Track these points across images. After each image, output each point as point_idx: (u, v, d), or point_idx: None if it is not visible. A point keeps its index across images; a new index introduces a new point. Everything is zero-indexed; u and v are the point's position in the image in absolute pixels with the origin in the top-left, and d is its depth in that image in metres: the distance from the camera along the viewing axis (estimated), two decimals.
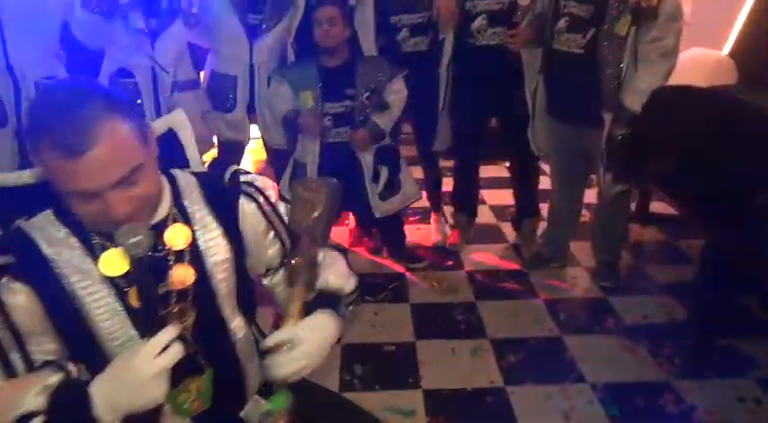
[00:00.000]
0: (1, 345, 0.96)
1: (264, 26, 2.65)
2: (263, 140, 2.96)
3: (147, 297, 0.95)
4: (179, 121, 1.22)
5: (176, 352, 0.91)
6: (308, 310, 1.08)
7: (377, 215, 2.74)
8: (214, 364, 1.10)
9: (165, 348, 0.90)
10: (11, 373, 0.97)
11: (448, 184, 3.19)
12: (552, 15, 2.37)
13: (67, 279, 0.97)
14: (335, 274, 1.19)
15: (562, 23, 2.32)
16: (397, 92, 2.63)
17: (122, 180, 0.90)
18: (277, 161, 2.92)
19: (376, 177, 2.70)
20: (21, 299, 0.95)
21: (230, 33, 2.65)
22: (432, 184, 3.16)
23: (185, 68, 2.66)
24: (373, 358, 2.28)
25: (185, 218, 1.08)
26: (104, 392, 0.90)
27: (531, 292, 2.70)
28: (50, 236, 0.98)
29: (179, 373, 1.02)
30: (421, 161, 3.13)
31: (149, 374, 0.89)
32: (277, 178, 2.78)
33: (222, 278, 1.11)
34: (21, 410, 0.90)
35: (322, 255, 1.18)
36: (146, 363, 0.89)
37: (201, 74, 2.84)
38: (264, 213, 1.15)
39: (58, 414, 0.90)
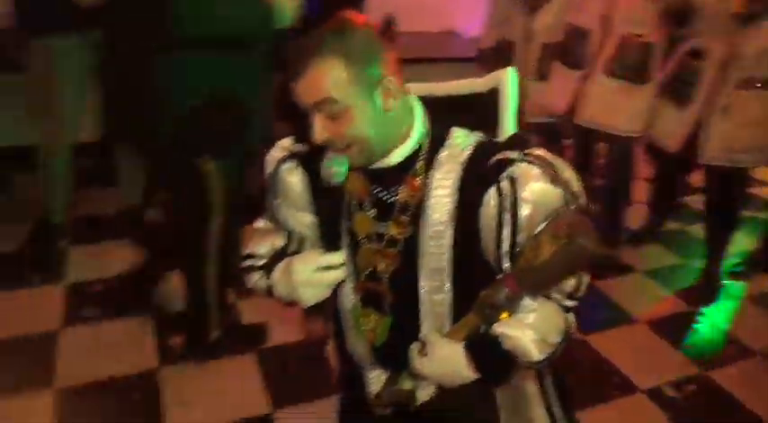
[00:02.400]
0: (270, 206, 1.22)
1: None
2: None
3: (333, 221, 1.08)
4: (503, 80, 1.14)
5: (331, 276, 1.09)
6: (473, 337, 1.05)
7: None
8: (395, 316, 1.16)
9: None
10: (268, 220, 1.26)
11: None
12: None
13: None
14: (525, 336, 1.03)
15: None
16: None
17: (319, 106, 0.98)
18: None
19: None
20: (295, 179, 1.17)
21: None
22: None
23: None
24: None
25: (427, 176, 1.07)
26: (280, 271, 1.15)
27: None
28: None
29: (369, 301, 1.17)
30: None
31: (301, 280, 1.08)
32: None
33: (431, 252, 1.08)
34: (250, 250, 1.21)
35: (536, 304, 1.04)
36: (303, 269, 1.09)
37: None
38: (501, 218, 1.02)
39: (267, 264, 1.19)
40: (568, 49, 2.63)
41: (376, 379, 1.27)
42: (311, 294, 1.10)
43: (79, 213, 2.93)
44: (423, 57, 3.51)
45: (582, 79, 2.62)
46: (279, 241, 1.23)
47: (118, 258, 2.64)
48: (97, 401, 1.91)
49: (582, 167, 2.96)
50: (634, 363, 2.26)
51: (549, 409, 1.25)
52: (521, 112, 2.97)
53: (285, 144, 1.22)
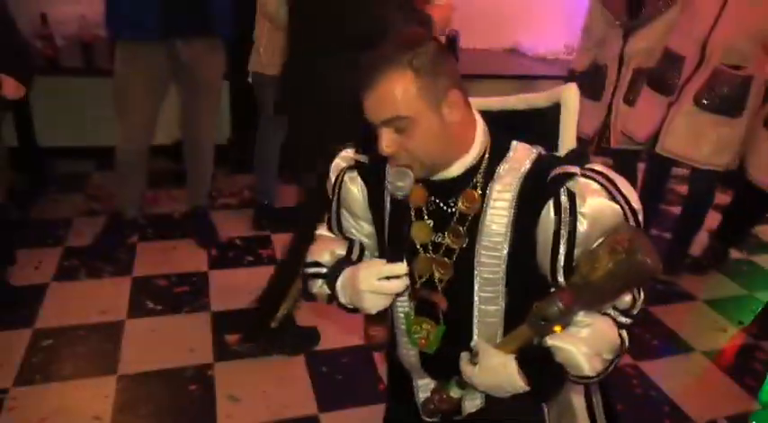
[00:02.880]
0: (330, 211, 1.28)
1: None
2: None
3: (396, 231, 1.11)
4: (566, 96, 1.15)
5: (394, 285, 1.08)
6: (524, 349, 1.06)
7: None
8: (448, 325, 1.18)
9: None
10: (330, 228, 1.30)
11: None
12: None
13: (387, 191, 1.17)
14: (578, 349, 1.02)
15: None
16: None
17: (388, 123, 1.01)
18: None
19: None
20: (355, 188, 1.21)
21: None
22: None
23: None
24: None
25: (484, 189, 1.09)
26: (343, 280, 1.17)
27: None
28: None
29: (423, 309, 1.20)
30: None
31: (364, 288, 1.09)
32: None
33: (485, 263, 1.10)
34: (314, 258, 1.26)
35: (590, 319, 1.04)
36: (367, 278, 1.09)
37: None
38: (558, 232, 1.03)
39: (330, 272, 1.22)
40: (660, 75, 2.56)
41: (425, 387, 1.29)
42: (374, 302, 1.10)
43: (150, 212, 3.11)
44: (485, 73, 3.54)
45: (669, 107, 2.54)
46: (340, 250, 1.25)
47: (183, 255, 2.79)
48: (156, 390, 2.01)
49: (653, 193, 2.92)
50: (689, 393, 2.18)
51: None
52: (606, 139, 2.88)
53: (348, 153, 1.25)
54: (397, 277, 1.09)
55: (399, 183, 1.05)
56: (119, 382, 2.02)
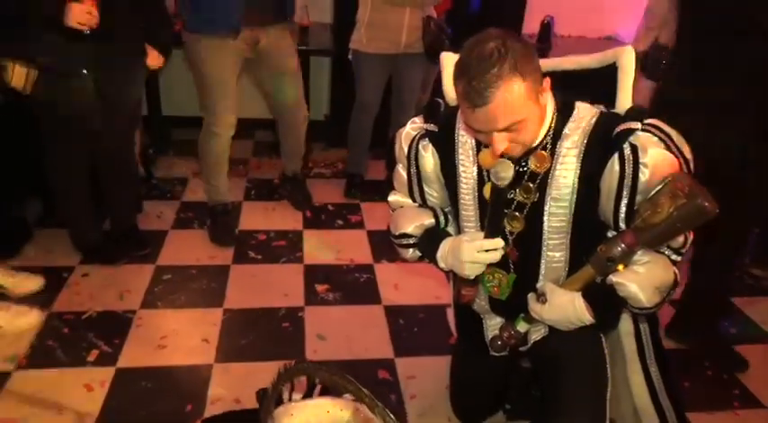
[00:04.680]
0: (410, 179, 1.40)
1: None
2: None
3: (495, 212, 1.23)
4: (622, 57, 1.23)
5: (492, 257, 1.23)
6: (587, 287, 1.19)
7: None
8: (519, 273, 1.33)
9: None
10: (413, 199, 1.43)
11: None
12: None
13: (458, 155, 1.30)
14: (638, 285, 1.13)
15: None
16: None
17: (506, 128, 1.10)
18: None
19: None
20: (428, 155, 1.34)
21: None
22: None
23: None
24: None
25: (553, 148, 1.20)
26: (443, 250, 1.32)
27: None
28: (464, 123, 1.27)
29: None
30: None
31: (467, 259, 1.24)
32: None
33: (554, 213, 1.23)
34: (403, 230, 1.40)
35: (648, 257, 1.14)
36: (470, 251, 1.23)
37: None
38: (621, 182, 1.14)
39: (420, 243, 1.37)
40: None
41: (494, 326, 1.44)
42: (474, 270, 1.26)
43: (253, 177, 3.43)
44: None
45: None
46: (428, 220, 1.38)
47: (281, 215, 3.08)
48: (255, 324, 2.29)
49: None
50: (762, 381, 2.18)
51: (643, 362, 1.36)
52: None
53: (417, 122, 1.37)
54: (494, 250, 1.23)
55: (503, 174, 1.17)
56: (224, 314, 2.32)
